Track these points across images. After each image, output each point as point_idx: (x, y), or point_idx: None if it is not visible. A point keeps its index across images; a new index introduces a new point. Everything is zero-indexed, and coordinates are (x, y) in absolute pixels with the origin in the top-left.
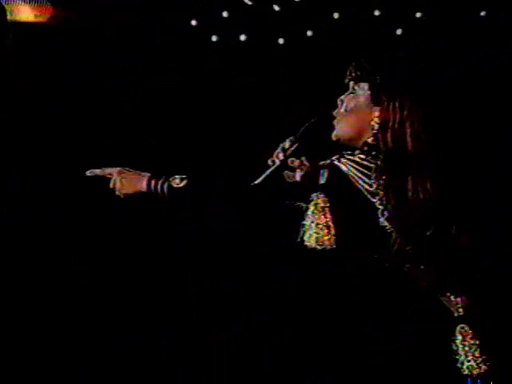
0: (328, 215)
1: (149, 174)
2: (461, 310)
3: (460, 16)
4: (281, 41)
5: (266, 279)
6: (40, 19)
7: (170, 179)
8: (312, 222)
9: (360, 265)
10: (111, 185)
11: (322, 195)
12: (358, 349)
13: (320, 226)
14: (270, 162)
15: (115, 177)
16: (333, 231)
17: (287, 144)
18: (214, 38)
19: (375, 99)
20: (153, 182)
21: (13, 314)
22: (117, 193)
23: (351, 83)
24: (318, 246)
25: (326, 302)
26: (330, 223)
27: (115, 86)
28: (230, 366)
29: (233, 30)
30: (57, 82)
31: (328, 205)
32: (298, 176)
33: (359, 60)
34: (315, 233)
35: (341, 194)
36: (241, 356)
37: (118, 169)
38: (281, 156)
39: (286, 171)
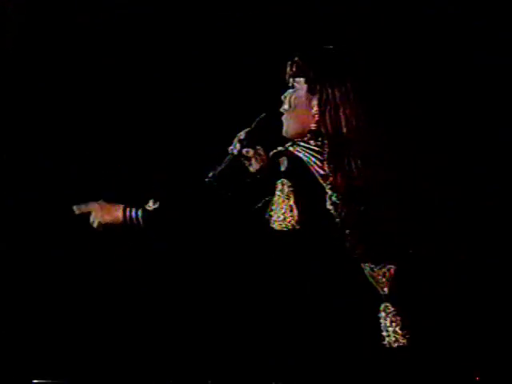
0: (292, 199)
1: (123, 205)
2: (386, 289)
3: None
4: None
5: (266, 279)
6: None
7: (144, 205)
8: (277, 206)
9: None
10: (91, 218)
11: (285, 181)
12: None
13: (284, 209)
14: (229, 152)
15: (94, 207)
16: (295, 213)
17: (243, 135)
18: None
19: (311, 90)
20: (127, 209)
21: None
22: (95, 224)
23: (290, 80)
24: (283, 228)
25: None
26: (293, 206)
27: (115, 85)
28: (229, 365)
29: None
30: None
31: (292, 189)
32: (253, 165)
33: (294, 57)
34: (280, 216)
35: (301, 178)
36: (240, 356)
37: (95, 203)
38: (238, 146)
39: (244, 161)
